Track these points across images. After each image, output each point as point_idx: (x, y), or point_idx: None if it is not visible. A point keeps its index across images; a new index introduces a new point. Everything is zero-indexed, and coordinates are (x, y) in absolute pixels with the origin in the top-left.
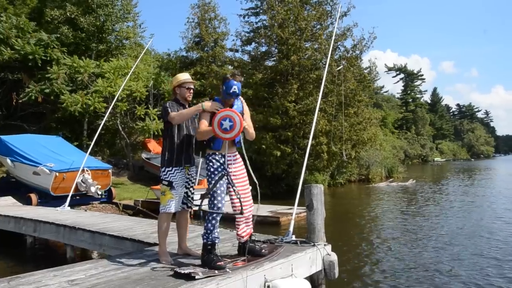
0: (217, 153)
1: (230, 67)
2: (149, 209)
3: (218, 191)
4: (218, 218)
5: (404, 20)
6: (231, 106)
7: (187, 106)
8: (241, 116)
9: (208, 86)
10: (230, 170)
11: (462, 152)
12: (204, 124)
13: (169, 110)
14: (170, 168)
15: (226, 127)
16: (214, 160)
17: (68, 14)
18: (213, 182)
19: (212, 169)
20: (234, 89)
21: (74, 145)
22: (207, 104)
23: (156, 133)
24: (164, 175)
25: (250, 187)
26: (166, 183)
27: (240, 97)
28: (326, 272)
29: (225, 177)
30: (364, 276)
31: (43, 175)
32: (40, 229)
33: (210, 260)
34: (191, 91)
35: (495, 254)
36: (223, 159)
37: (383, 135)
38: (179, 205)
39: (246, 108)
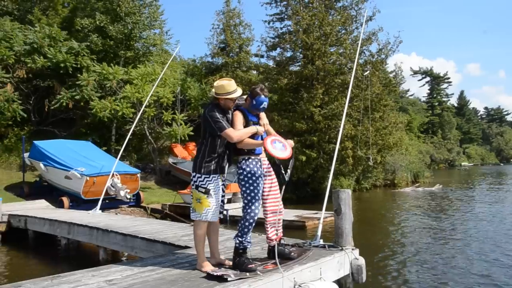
0: (252, 157)
1: (255, 72)
2: (176, 213)
3: (256, 197)
4: (254, 224)
5: (428, 23)
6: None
7: (230, 113)
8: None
9: None
10: (265, 174)
11: (490, 156)
12: (247, 136)
13: (223, 123)
14: (208, 175)
15: (281, 147)
16: (251, 165)
17: (97, 23)
18: (251, 187)
19: (249, 174)
20: (264, 105)
21: (102, 150)
22: (260, 129)
23: (182, 138)
24: (201, 182)
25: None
26: (203, 190)
27: None
28: (354, 276)
29: (262, 181)
30: (391, 281)
31: (74, 179)
32: (74, 231)
33: (241, 262)
34: (235, 101)
35: None
36: (259, 163)
37: (408, 140)
38: (218, 213)
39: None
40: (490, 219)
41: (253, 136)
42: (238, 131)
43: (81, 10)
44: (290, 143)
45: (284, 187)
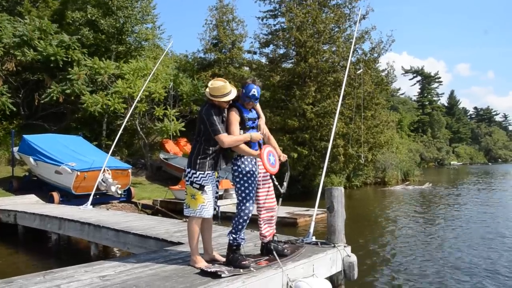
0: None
1: (247, 68)
2: (168, 209)
3: (251, 194)
4: (248, 221)
5: (419, 22)
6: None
7: (225, 111)
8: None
9: None
10: (259, 172)
11: (479, 156)
12: (239, 143)
13: (218, 127)
14: (203, 172)
15: (273, 162)
16: (246, 162)
17: (88, 16)
18: (245, 185)
19: (244, 172)
20: (254, 92)
21: (93, 145)
22: (254, 136)
23: (174, 133)
24: (196, 178)
25: None
26: (198, 186)
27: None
28: (346, 273)
29: (256, 179)
30: (382, 277)
31: (65, 174)
32: (65, 226)
33: (235, 259)
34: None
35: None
36: (254, 161)
37: (399, 138)
38: (212, 210)
39: (261, 113)
40: (477, 216)
41: (248, 142)
42: (231, 138)
43: (72, 3)
44: (284, 157)
45: (281, 199)
